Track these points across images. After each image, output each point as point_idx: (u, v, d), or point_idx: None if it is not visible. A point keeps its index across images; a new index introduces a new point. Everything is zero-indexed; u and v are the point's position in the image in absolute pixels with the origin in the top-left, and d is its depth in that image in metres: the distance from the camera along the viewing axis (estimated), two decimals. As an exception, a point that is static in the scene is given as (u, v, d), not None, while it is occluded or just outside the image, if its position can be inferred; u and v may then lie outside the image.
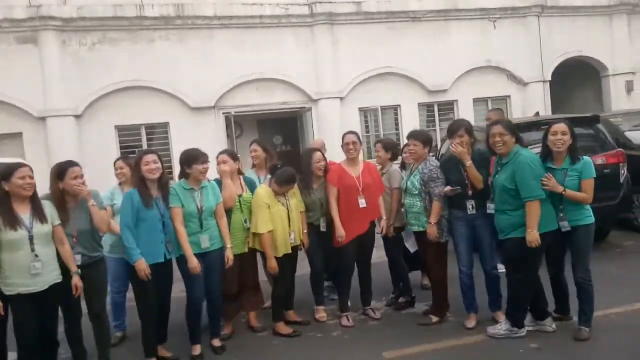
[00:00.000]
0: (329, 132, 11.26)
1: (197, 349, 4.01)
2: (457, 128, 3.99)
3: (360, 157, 4.69)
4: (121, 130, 10.59)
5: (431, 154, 4.44)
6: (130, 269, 3.74)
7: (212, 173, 4.38)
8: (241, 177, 4.54)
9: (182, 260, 3.91)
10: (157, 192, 3.85)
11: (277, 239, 4.19)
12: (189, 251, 3.81)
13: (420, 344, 3.84)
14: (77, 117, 10.17)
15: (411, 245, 4.48)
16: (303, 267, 4.71)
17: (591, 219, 3.69)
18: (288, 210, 4.25)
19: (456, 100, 12.62)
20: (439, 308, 4.24)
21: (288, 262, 4.32)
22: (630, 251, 6.02)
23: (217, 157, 4.48)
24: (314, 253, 4.53)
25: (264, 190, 4.27)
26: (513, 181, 3.60)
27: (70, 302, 3.58)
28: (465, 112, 12.54)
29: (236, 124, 12.37)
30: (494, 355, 3.56)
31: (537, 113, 7.86)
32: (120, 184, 4.53)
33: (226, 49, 10.87)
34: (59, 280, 3.43)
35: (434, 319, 4.21)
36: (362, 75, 11.77)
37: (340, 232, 4.29)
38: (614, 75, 13.60)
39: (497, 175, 3.75)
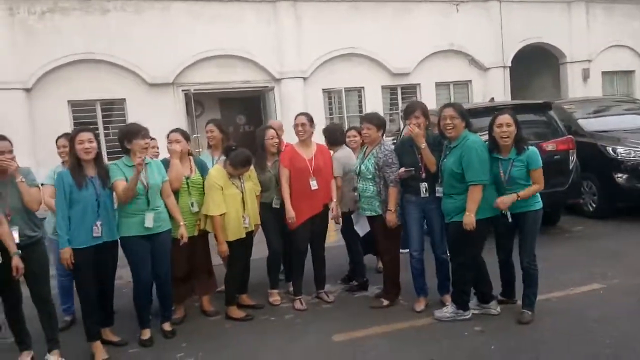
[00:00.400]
0: (293, 112, 11.12)
1: (146, 333, 3.95)
2: (413, 109, 4.00)
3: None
4: (75, 105, 10.17)
5: (392, 138, 4.46)
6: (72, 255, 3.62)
7: (165, 152, 4.29)
8: (191, 158, 4.42)
9: (125, 243, 3.81)
10: (94, 171, 3.69)
11: (230, 223, 4.12)
12: (133, 182, 3.67)
13: (370, 327, 3.89)
14: (27, 90, 9.69)
15: (360, 228, 4.50)
16: (259, 251, 4.69)
17: (539, 205, 3.79)
18: (243, 194, 4.19)
19: (419, 84, 12.72)
20: (390, 292, 4.31)
21: (242, 246, 4.27)
22: (577, 236, 6.26)
23: (168, 135, 4.37)
24: (271, 233, 4.51)
25: (217, 171, 4.17)
26: (460, 165, 3.66)
27: (9, 284, 3.44)
28: (428, 96, 12.68)
29: (197, 102, 12.07)
30: (440, 337, 3.64)
31: (492, 99, 7.99)
32: (63, 162, 4.33)
33: (185, 22, 10.55)
34: (-1, 262, 3.27)
35: (385, 302, 4.27)
36: (326, 56, 11.68)
37: (290, 213, 4.28)
38: (571, 62, 14.00)
39: (445, 159, 3.80)
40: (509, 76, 13.30)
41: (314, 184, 4.33)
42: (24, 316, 3.66)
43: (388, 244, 4.21)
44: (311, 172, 4.34)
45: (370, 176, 4.14)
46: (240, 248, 4.26)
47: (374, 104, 12.11)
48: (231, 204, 4.10)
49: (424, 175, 3.97)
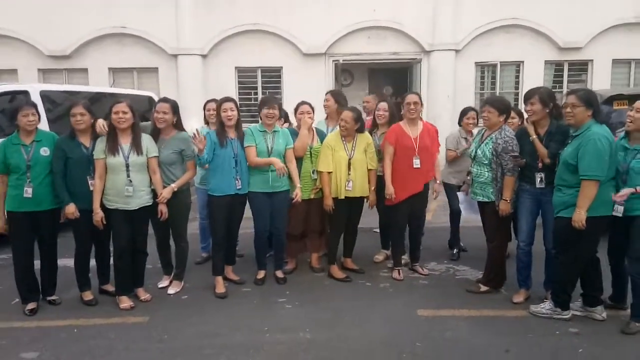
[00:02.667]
0: (440, 86, 10.95)
1: (260, 274, 4.61)
2: (529, 96, 3.79)
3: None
4: (240, 71, 11.41)
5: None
6: (208, 199, 4.36)
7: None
8: (315, 128, 4.83)
9: (251, 197, 4.42)
10: (234, 134, 4.33)
11: (335, 182, 4.47)
12: (266, 160, 4.30)
13: (459, 309, 3.93)
14: (204, 56, 11.16)
15: (465, 209, 4.48)
16: (370, 222, 4.98)
17: None
18: (350, 158, 4.46)
19: (591, 61, 11.28)
20: (491, 279, 4.23)
21: (345, 208, 4.56)
22: None
23: (298, 107, 4.80)
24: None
25: (333, 135, 4.58)
26: (575, 157, 3.38)
27: (158, 221, 4.29)
28: (602, 75, 11.22)
29: (347, 72, 12.55)
30: (527, 331, 3.53)
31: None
32: (208, 124, 5.06)
33: (339, -6, 10.90)
34: (149, 204, 4.10)
35: (483, 288, 4.23)
36: (484, 27, 11.02)
37: (389, 189, 4.44)
38: None
39: (565, 149, 3.55)
40: None
41: (416, 163, 4.41)
42: (170, 250, 4.55)
43: (496, 232, 4.10)
44: (416, 150, 4.41)
45: (487, 162, 4.02)
46: (344, 209, 4.56)
47: (534, 80, 11.05)
48: (337, 166, 4.44)
49: (540, 165, 3.76)
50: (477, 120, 4.71)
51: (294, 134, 4.65)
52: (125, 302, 4.07)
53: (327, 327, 3.66)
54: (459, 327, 3.63)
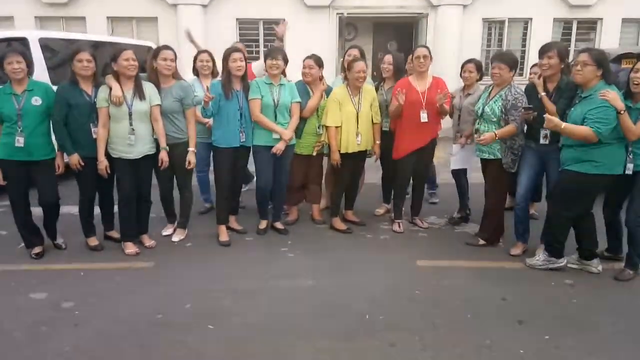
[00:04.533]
0: (446, 42, 10.74)
1: (263, 224, 4.68)
2: (547, 49, 3.72)
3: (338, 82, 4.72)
4: (242, 23, 11.16)
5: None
6: (213, 152, 4.38)
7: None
8: (324, 82, 4.74)
9: (255, 150, 4.41)
10: (240, 86, 4.28)
11: (343, 136, 4.44)
12: (271, 126, 4.27)
13: (457, 260, 4.02)
14: (204, 6, 10.87)
15: (455, 163, 4.49)
16: (372, 178, 5.01)
17: None
18: (357, 112, 4.45)
19: (601, 19, 11.06)
20: (489, 234, 4.30)
21: (352, 162, 4.59)
22: None
23: (304, 61, 4.70)
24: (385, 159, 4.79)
25: (340, 89, 4.51)
26: (583, 119, 3.38)
27: (161, 172, 4.30)
28: (611, 34, 11.05)
29: (351, 25, 12.28)
30: (523, 281, 3.63)
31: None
32: (198, 75, 4.90)
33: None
34: (152, 152, 4.10)
35: (482, 241, 4.31)
36: (493, -19, 10.74)
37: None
38: None
39: (573, 108, 3.53)
40: None
41: (424, 117, 4.39)
42: (173, 200, 4.57)
43: (496, 188, 4.14)
44: (423, 104, 4.38)
45: (495, 119, 3.98)
46: (350, 163, 4.58)
47: (542, 38, 10.78)
48: (345, 120, 4.41)
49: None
50: (480, 73, 4.60)
51: (302, 87, 4.58)
52: (131, 247, 4.15)
53: (329, 275, 3.75)
54: (457, 277, 3.72)
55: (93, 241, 4.27)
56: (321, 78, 4.70)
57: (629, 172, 3.44)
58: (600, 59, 3.40)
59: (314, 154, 4.69)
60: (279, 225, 4.70)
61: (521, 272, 3.81)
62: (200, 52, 4.94)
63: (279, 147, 4.31)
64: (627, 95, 3.48)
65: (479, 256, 4.10)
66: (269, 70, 4.30)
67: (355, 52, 4.84)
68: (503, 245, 4.31)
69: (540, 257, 3.83)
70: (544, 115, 3.45)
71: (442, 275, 3.74)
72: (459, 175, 4.83)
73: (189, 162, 4.21)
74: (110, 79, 3.93)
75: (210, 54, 4.86)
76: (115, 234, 4.41)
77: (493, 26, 11.31)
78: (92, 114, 3.93)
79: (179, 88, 4.16)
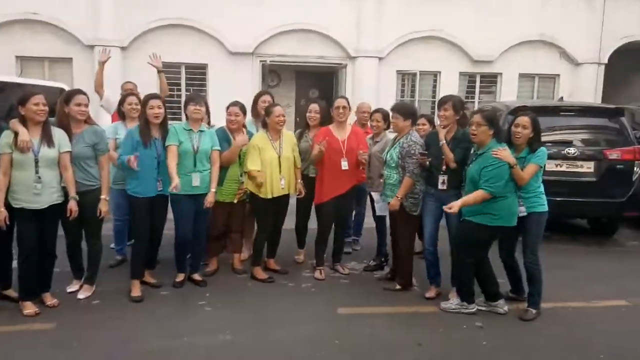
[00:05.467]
0: (365, 91, 11.25)
1: (180, 277, 4.48)
2: (444, 101, 4.07)
3: (350, 120, 4.88)
4: (163, 67, 10.97)
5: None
6: (129, 200, 4.20)
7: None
8: (245, 130, 4.75)
9: (173, 199, 4.28)
10: (158, 133, 4.19)
11: (267, 181, 4.43)
12: (174, 172, 4.08)
13: (377, 306, 4.09)
14: (123, 48, 10.65)
15: (379, 209, 4.67)
16: (291, 222, 5.03)
17: (544, 208, 3.86)
18: (279, 157, 4.49)
19: (501, 74, 12.17)
20: (404, 278, 4.43)
21: (276, 208, 4.59)
22: (627, 251, 5.96)
23: (229, 108, 4.70)
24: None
25: (259, 135, 4.57)
26: (479, 175, 3.69)
27: (69, 222, 4.04)
28: (510, 87, 12.14)
29: (274, 72, 12.56)
30: (438, 326, 3.75)
31: (562, 98, 7.55)
32: (125, 119, 4.79)
33: (269, -5, 10.91)
34: (59, 202, 3.85)
35: (398, 286, 4.43)
36: (405, 37, 11.53)
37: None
38: (679, 65, 12.63)
39: (471, 165, 3.83)
40: (602, 74, 12.30)
41: (344, 165, 4.54)
42: (81, 252, 4.28)
43: (404, 232, 4.32)
44: (344, 153, 4.54)
45: (394, 165, 4.24)
46: (274, 209, 4.58)
47: (450, 90, 11.71)
48: (267, 165, 4.43)
49: (444, 168, 4.02)
50: (387, 123, 4.85)
51: (222, 135, 4.58)
52: (30, 307, 3.79)
53: (248, 329, 3.65)
54: (376, 324, 3.77)
55: (-15, 302, 3.87)
56: (244, 126, 4.74)
57: (523, 214, 3.79)
58: (492, 119, 3.76)
59: (236, 201, 4.64)
60: (197, 277, 4.53)
61: (436, 316, 3.95)
62: (127, 95, 4.82)
63: (210, 200, 4.28)
64: (509, 146, 3.85)
65: (398, 301, 4.20)
66: (193, 115, 4.26)
67: (268, 97, 5.00)
68: (419, 289, 4.46)
69: (453, 301, 4.01)
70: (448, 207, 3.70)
71: (362, 323, 3.77)
72: (381, 222, 4.97)
73: (100, 211, 4.00)
74: (15, 124, 3.69)
75: (139, 97, 4.74)
76: (12, 292, 4.01)
77: (406, 77, 12.07)
78: None
79: (91, 133, 3.99)
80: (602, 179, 5.89)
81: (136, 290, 4.18)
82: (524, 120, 3.81)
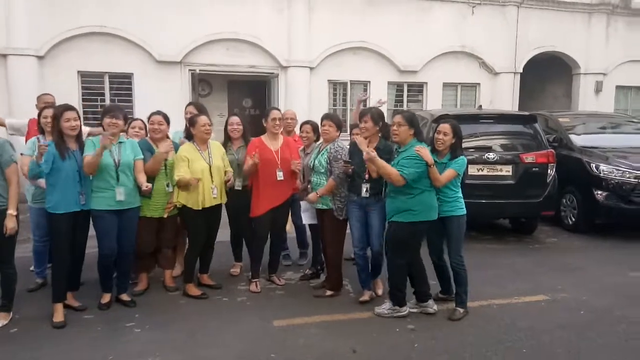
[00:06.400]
0: (297, 100, 11.31)
1: (106, 298, 4.26)
2: (363, 114, 4.19)
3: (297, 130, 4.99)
4: (84, 76, 10.45)
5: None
6: (48, 217, 3.94)
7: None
8: (169, 140, 4.63)
9: (95, 215, 4.08)
10: (76, 146, 3.98)
11: (199, 192, 4.31)
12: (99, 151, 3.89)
13: (312, 315, 4.09)
14: (40, 58, 10.02)
15: (306, 217, 4.71)
16: (223, 235, 4.94)
17: (462, 211, 4.08)
18: (210, 166, 4.40)
19: (426, 83, 12.68)
20: (334, 283, 4.51)
21: (208, 220, 4.48)
22: (546, 248, 6.35)
23: (152, 117, 4.57)
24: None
25: (186, 146, 4.45)
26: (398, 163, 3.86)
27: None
28: (435, 95, 12.67)
29: (205, 82, 12.34)
30: (371, 331, 3.82)
31: (480, 106, 8.03)
32: (43, 133, 4.53)
33: (198, 2, 10.71)
34: (-35, 225, 3.56)
35: (328, 292, 4.49)
36: (335, 47, 11.71)
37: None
38: (585, 74, 13.75)
39: (393, 162, 3.96)
40: (519, 82, 13.15)
41: (280, 175, 4.54)
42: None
43: (333, 237, 4.40)
44: (278, 163, 4.54)
45: (323, 170, 4.34)
46: (206, 222, 4.47)
47: (379, 98, 12.14)
48: (198, 175, 4.30)
49: (367, 176, 4.14)
50: (316, 134, 4.87)
51: (145, 145, 4.43)
52: None
53: (179, 350, 3.53)
54: (311, 334, 3.78)
55: None
56: (167, 136, 4.61)
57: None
58: (411, 120, 3.95)
59: (166, 215, 4.49)
60: (125, 297, 4.33)
61: (369, 321, 4.02)
62: (43, 108, 4.55)
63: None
64: (433, 151, 4.06)
65: (333, 309, 4.24)
66: (108, 129, 4.08)
67: (191, 108, 4.93)
68: (354, 295, 4.52)
69: (386, 305, 4.11)
70: (364, 150, 3.88)
71: (297, 334, 3.77)
72: (315, 230, 4.99)
73: (6, 228, 3.70)
74: None
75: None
76: None
77: (338, 87, 12.28)
78: None
79: None
80: (519, 181, 6.29)
81: (58, 315, 3.92)
82: (445, 127, 4.02)
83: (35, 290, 4.59)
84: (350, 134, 5.02)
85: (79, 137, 4.02)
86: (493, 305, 4.36)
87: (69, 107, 3.98)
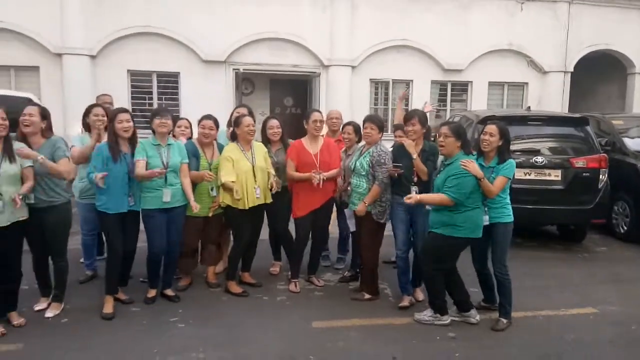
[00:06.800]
0: (338, 99, 11.30)
1: (151, 293, 4.40)
2: (410, 117, 4.16)
3: (323, 132, 4.89)
4: (133, 75, 10.85)
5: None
6: (99, 216, 4.11)
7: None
8: (215, 143, 4.71)
9: (145, 214, 4.22)
10: (127, 148, 4.12)
11: (242, 192, 4.36)
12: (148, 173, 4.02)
13: (351, 318, 4.08)
14: (92, 57, 10.45)
15: (352, 225, 4.68)
16: (264, 234, 4.99)
17: (510, 218, 3.94)
18: (253, 166, 4.45)
19: (471, 82, 12.42)
20: (371, 287, 4.47)
21: (252, 219, 4.54)
22: (596, 258, 6.08)
23: (203, 121, 4.62)
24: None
25: (231, 147, 4.51)
26: (445, 184, 3.76)
27: (34, 238, 3.93)
28: (480, 95, 12.39)
29: (248, 81, 12.53)
30: (411, 338, 3.78)
31: (529, 108, 7.75)
32: (89, 130, 4.60)
33: (243, 3, 10.88)
34: (23, 218, 3.74)
35: (366, 295, 4.46)
36: (377, 46, 11.65)
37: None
38: (640, 73, 13.11)
39: (438, 175, 3.90)
40: (569, 82, 12.67)
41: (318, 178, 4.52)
42: (48, 269, 4.17)
43: (370, 241, 4.35)
44: (317, 166, 4.54)
45: (364, 173, 4.28)
46: (250, 221, 4.53)
47: (422, 98, 11.97)
48: (242, 175, 4.37)
49: (415, 179, 4.10)
50: (358, 135, 4.84)
51: (192, 148, 4.52)
52: (-5, 328, 3.67)
53: (221, 346, 3.61)
54: (351, 337, 3.77)
55: (-53, 323, 3.72)
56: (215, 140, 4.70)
57: (486, 223, 3.86)
58: (458, 131, 3.83)
59: (210, 214, 4.58)
60: (169, 292, 4.45)
61: (409, 327, 3.97)
62: (93, 105, 4.69)
63: (193, 204, 4.24)
64: (479, 154, 3.95)
65: (372, 313, 4.21)
66: (158, 129, 4.20)
67: (242, 109, 4.95)
68: (393, 300, 4.48)
69: (427, 312, 4.04)
70: (415, 161, 3.86)
71: (336, 336, 3.77)
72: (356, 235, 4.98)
73: (23, 153, 3.65)
74: None
75: (104, 109, 4.65)
76: (-20, 310, 3.88)
77: (379, 86, 12.19)
78: None
79: (49, 146, 3.88)
80: (569, 187, 6.05)
81: (108, 307, 4.09)
82: (491, 128, 3.91)
83: (86, 282, 4.79)
84: (394, 135, 4.97)
85: (131, 140, 4.14)
86: (539, 316, 4.22)
87: (122, 110, 4.14)
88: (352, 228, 4.62)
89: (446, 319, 3.97)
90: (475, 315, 4.03)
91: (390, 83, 12.05)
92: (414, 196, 3.80)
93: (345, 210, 4.74)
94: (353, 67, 11.60)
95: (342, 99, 11.36)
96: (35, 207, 3.83)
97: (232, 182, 4.31)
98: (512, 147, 5.80)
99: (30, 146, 3.80)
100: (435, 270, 3.89)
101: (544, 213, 6.09)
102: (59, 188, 3.94)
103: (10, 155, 3.63)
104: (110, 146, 4.02)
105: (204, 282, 4.81)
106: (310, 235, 4.77)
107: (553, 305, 4.44)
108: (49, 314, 4.04)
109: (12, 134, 3.81)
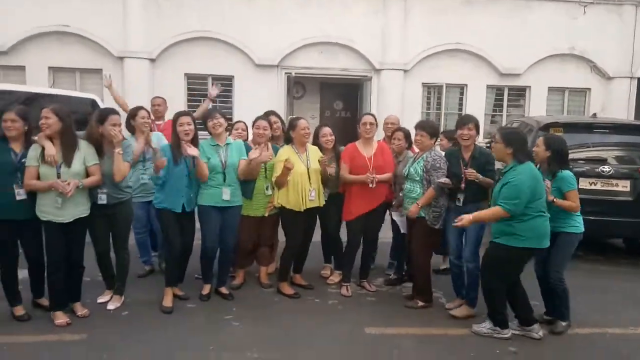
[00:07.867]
0: (389, 103, 11.20)
1: (206, 289, 4.48)
2: (467, 121, 4.10)
3: (379, 136, 4.82)
4: (190, 78, 11.18)
5: (486, 142, 4.54)
6: (157, 213, 4.26)
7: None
8: (270, 144, 4.73)
9: (201, 211, 4.31)
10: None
11: (296, 195, 4.40)
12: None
13: (404, 326, 4.00)
14: (152, 61, 10.84)
15: (402, 225, 4.60)
16: (316, 235, 4.98)
17: (575, 229, 3.81)
18: (308, 169, 4.46)
19: (529, 87, 11.99)
20: (425, 294, 4.37)
21: (305, 221, 4.54)
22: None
23: (257, 121, 4.66)
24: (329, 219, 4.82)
25: (286, 149, 4.54)
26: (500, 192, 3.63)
27: (100, 234, 4.10)
28: (538, 100, 11.95)
29: (299, 84, 12.62)
30: (469, 351, 3.64)
31: (595, 114, 7.35)
32: (134, 133, 4.69)
33: (294, 8, 11.00)
34: (85, 215, 3.88)
35: (420, 303, 4.36)
36: (431, 50, 11.46)
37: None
38: None
39: (497, 183, 3.75)
40: (635, 88, 12.00)
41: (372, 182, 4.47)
42: (111, 262, 4.30)
43: (422, 247, 4.27)
44: (370, 169, 4.49)
45: (418, 178, 4.22)
46: (304, 223, 4.54)
47: (477, 103, 11.71)
48: (297, 177, 4.39)
49: (463, 186, 4.03)
50: (408, 141, 4.75)
51: (249, 149, 4.57)
52: (61, 318, 3.83)
53: (275, 347, 3.61)
54: (404, 346, 3.69)
55: (19, 310, 3.91)
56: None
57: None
58: (509, 138, 3.64)
59: (266, 214, 4.62)
60: (224, 290, 4.52)
61: (466, 338, 3.83)
62: (139, 108, 4.79)
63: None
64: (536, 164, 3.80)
65: (427, 321, 4.10)
66: (213, 131, 4.28)
67: (263, 123, 4.64)
68: (446, 305, 4.36)
69: (485, 324, 3.88)
70: (457, 219, 3.72)
71: (390, 344, 3.69)
72: (403, 238, 4.88)
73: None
74: (41, 138, 3.74)
75: (147, 111, 4.80)
76: (45, 301, 4.07)
77: (432, 90, 11.97)
78: (17, 174, 3.69)
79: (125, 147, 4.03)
80: (638, 198, 5.70)
81: (168, 301, 4.21)
82: (538, 140, 3.88)
83: (144, 277, 4.94)
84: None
85: (193, 142, 4.19)
86: (606, 334, 3.97)
87: (184, 113, 4.24)
88: (403, 229, 4.54)
89: (507, 333, 3.80)
90: (538, 331, 3.83)
91: (444, 87, 11.81)
92: (465, 217, 3.65)
93: (392, 213, 4.67)
94: (405, 71, 11.46)
95: (394, 103, 11.24)
96: (107, 205, 3.98)
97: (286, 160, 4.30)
98: (576, 156, 5.58)
99: (105, 150, 3.95)
100: (495, 283, 3.72)
101: (610, 225, 5.75)
102: (124, 184, 4.09)
103: (66, 159, 3.69)
104: (173, 149, 4.13)
105: (256, 282, 4.85)
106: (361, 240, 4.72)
107: (620, 323, 4.18)
108: (110, 306, 4.19)
109: (80, 133, 3.98)
